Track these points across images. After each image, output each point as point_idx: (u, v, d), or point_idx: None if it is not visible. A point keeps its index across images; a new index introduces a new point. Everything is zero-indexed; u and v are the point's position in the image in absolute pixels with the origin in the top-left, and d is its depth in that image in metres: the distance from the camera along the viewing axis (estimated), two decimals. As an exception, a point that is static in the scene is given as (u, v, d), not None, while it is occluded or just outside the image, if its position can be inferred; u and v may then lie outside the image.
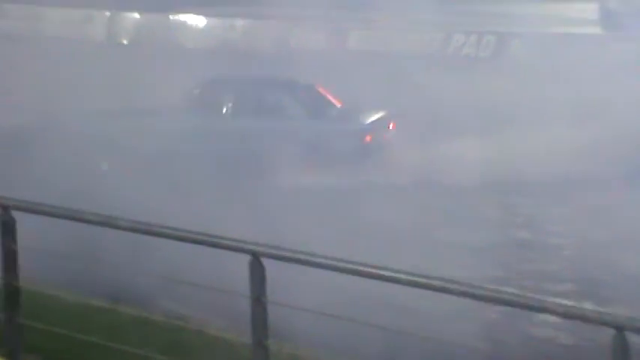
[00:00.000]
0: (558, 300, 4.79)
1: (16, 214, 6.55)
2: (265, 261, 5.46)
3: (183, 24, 31.70)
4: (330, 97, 17.74)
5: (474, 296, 4.86)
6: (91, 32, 32.45)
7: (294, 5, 27.59)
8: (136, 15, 32.72)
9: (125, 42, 32.11)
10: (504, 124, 17.67)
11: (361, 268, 5.21)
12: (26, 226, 6.66)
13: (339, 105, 17.65)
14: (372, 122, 17.34)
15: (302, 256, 5.33)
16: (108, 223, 6.39)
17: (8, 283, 6.54)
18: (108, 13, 33.33)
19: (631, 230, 12.84)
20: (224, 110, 17.14)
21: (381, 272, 5.10)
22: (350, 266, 5.23)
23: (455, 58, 26.49)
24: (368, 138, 17.04)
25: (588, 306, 4.98)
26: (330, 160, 16.29)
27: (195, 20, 31.70)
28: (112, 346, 6.84)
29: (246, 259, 5.49)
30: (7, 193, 6.73)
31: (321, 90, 17.77)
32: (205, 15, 31.60)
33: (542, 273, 12.48)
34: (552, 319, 7.89)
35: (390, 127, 17.45)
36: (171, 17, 31.88)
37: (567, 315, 4.71)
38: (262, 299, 5.28)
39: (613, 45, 25.22)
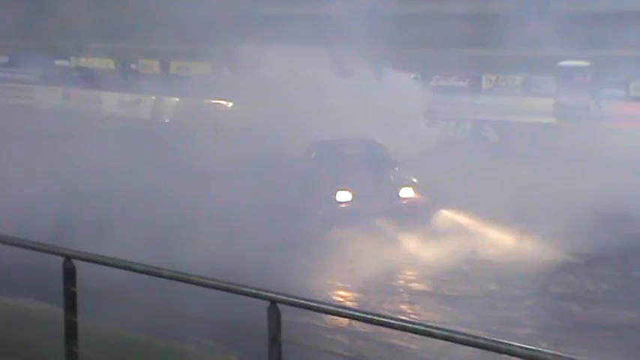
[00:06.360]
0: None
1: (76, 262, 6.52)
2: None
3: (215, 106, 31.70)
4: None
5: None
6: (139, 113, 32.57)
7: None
8: (176, 99, 32.86)
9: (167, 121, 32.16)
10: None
11: (376, 318, 5.08)
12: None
13: None
14: None
15: (315, 304, 5.25)
16: (151, 272, 6.34)
17: (68, 320, 6.50)
18: (153, 97, 33.50)
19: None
20: None
21: (387, 320, 4.96)
22: (361, 315, 5.12)
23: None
24: None
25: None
26: None
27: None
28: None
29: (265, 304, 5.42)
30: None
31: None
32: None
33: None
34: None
35: None
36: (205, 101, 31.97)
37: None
38: (278, 339, 5.21)
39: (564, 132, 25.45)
